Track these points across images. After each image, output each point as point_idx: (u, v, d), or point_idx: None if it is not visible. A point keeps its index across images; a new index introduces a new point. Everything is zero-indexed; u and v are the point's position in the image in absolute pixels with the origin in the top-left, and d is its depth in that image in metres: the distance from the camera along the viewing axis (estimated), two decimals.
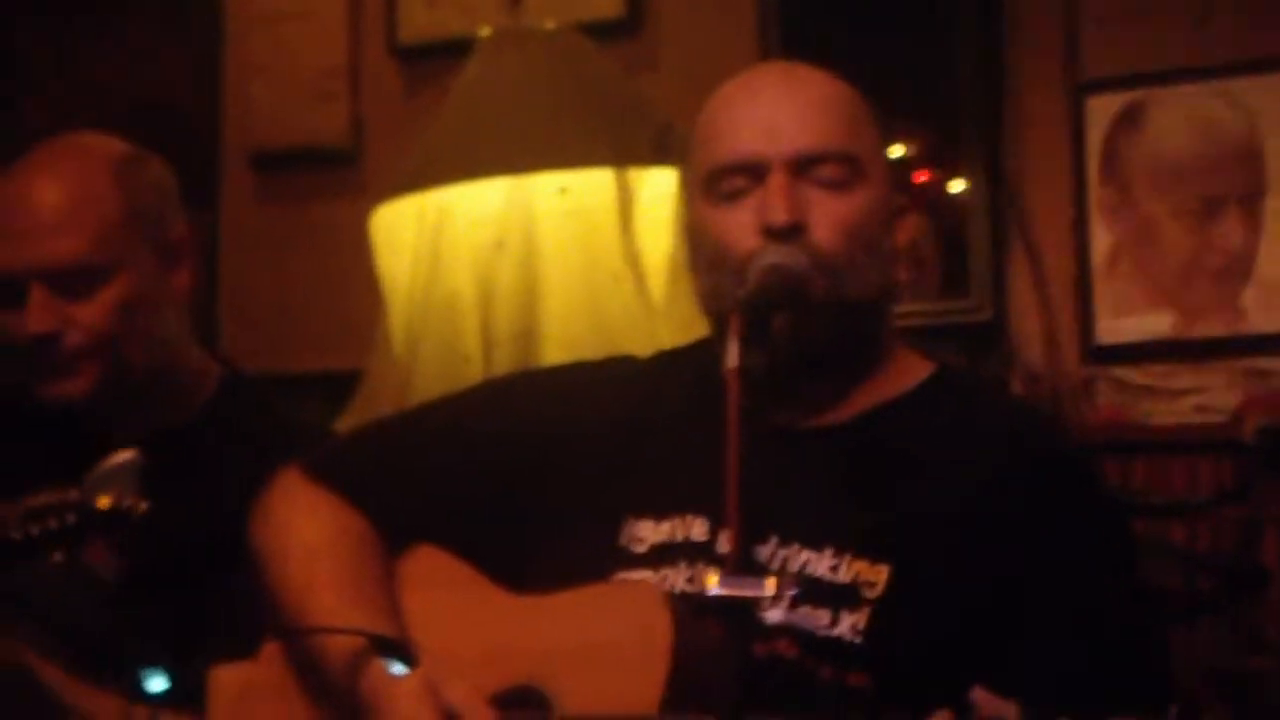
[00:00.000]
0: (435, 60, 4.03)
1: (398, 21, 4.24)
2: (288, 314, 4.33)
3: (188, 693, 1.97)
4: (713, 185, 1.86)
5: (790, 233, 1.79)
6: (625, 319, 3.14)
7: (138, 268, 2.29)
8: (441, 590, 1.90)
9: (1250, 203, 3.44)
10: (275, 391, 2.57)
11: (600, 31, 3.64)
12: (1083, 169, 3.55)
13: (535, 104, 3.26)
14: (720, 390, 1.68)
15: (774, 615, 1.71)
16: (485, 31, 3.47)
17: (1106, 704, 1.42)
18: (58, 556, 2.12)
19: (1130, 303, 3.50)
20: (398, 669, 1.72)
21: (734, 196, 1.84)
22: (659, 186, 3.16)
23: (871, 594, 1.73)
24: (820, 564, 1.76)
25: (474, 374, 3.16)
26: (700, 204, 1.89)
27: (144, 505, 1.95)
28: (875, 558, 1.75)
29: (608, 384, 2.01)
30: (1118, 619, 1.76)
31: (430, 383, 3.19)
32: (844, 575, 1.75)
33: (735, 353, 1.68)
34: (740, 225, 1.82)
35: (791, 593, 1.72)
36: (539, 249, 3.23)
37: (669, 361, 2.06)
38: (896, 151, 3.50)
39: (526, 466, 1.94)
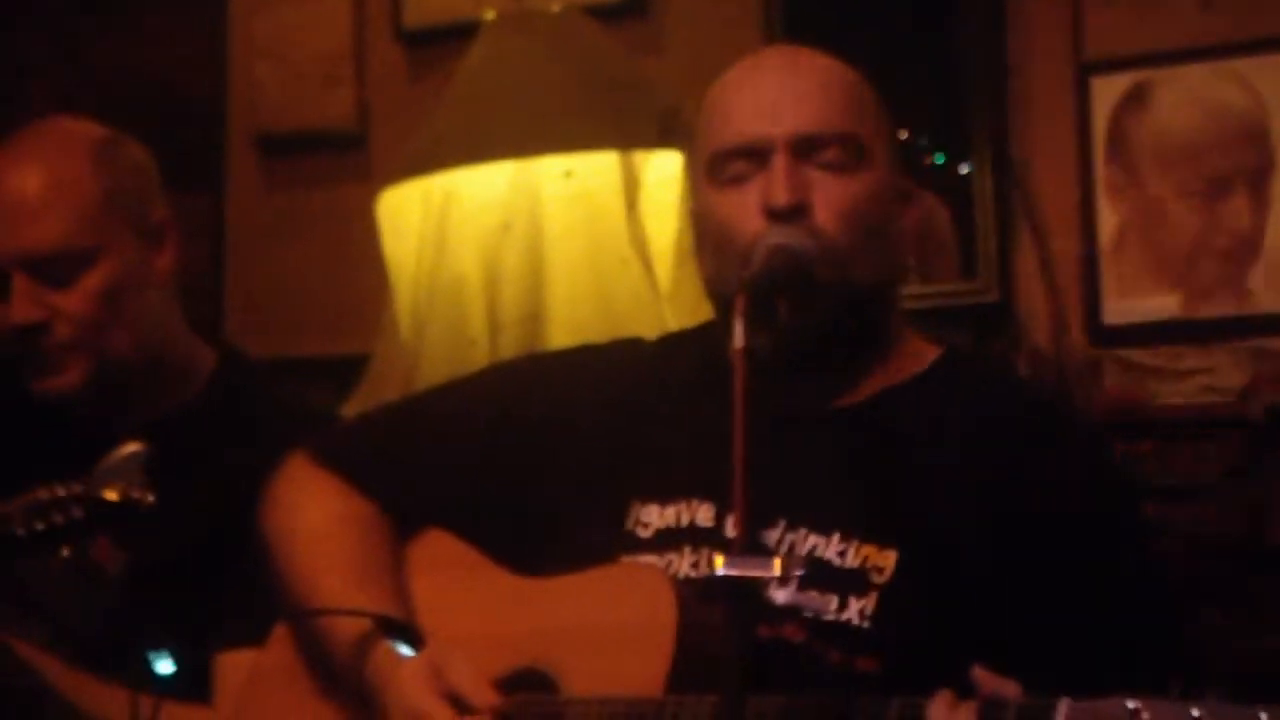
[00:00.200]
0: (440, 44, 4.02)
1: (403, 5, 4.23)
2: (293, 298, 4.32)
3: (195, 678, 1.97)
4: (716, 169, 1.86)
5: (793, 214, 1.79)
6: (631, 302, 3.14)
7: (120, 251, 2.28)
8: (448, 573, 1.91)
9: (1257, 183, 3.42)
10: (278, 374, 2.56)
11: (605, 14, 3.62)
12: (1089, 150, 3.53)
13: (540, 87, 3.26)
14: (726, 374, 1.68)
15: (781, 596, 1.72)
16: (490, 14, 3.47)
17: (1120, 681, 1.42)
18: (65, 552, 2.12)
19: (1137, 283, 3.49)
20: (403, 650, 1.73)
21: (737, 180, 1.84)
22: (665, 170, 3.16)
23: (879, 579, 1.73)
24: (828, 549, 1.76)
25: (480, 357, 3.16)
26: (704, 188, 1.89)
27: (152, 496, 1.95)
28: (883, 542, 1.75)
29: (614, 368, 2.01)
30: (1131, 596, 1.76)
31: (436, 366, 3.19)
32: (852, 560, 1.75)
33: (741, 333, 1.68)
34: (744, 208, 1.82)
35: (798, 573, 1.72)
36: (545, 232, 3.22)
37: (675, 344, 2.06)
38: (902, 135, 3.50)
39: (533, 450, 1.94)
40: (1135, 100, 3.51)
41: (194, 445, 2.28)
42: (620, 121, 3.19)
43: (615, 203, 3.18)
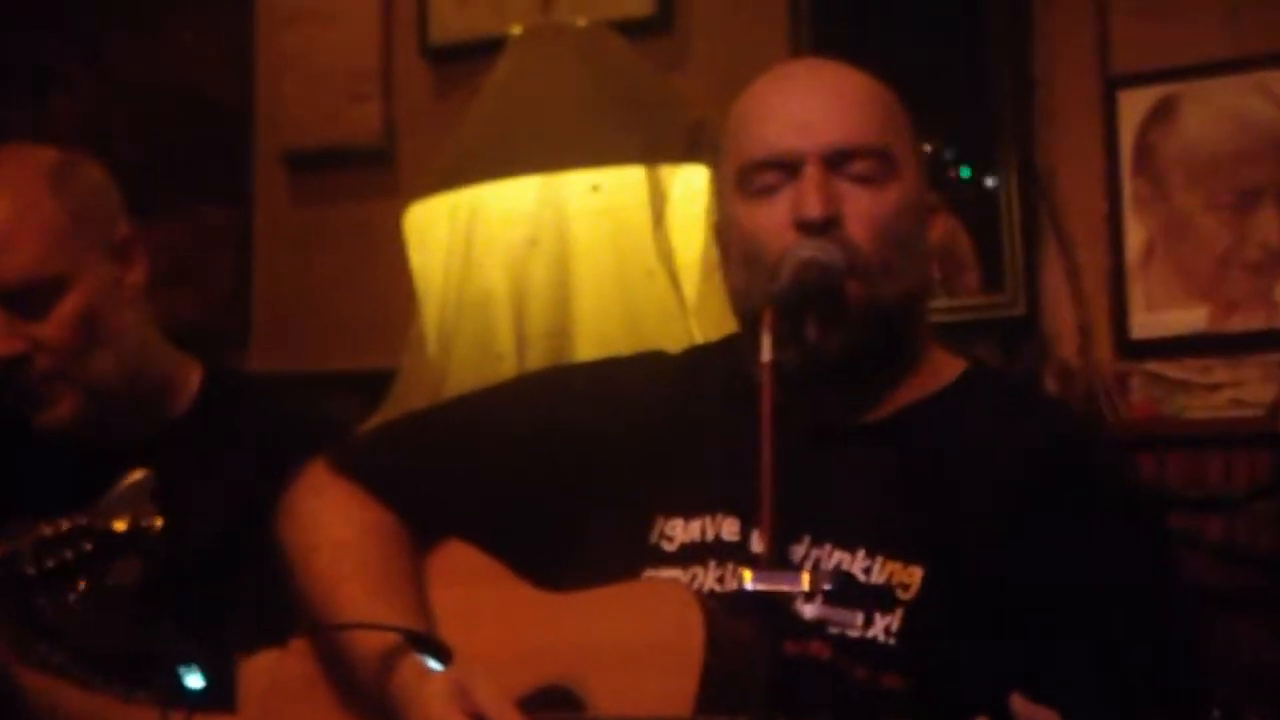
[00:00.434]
0: (467, 60, 4.03)
1: (429, 22, 4.24)
2: (320, 313, 4.33)
3: (218, 688, 1.97)
4: (745, 181, 1.85)
5: (824, 227, 1.78)
6: (658, 317, 3.13)
7: (91, 274, 2.26)
8: (469, 586, 1.89)
9: None
10: (273, 382, 2.54)
11: (631, 29, 3.62)
12: (1116, 163, 3.53)
13: (567, 102, 3.26)
14: (752, 388, 1.68)
15: (809, 611, 1.71)
16: (516, 30, 3.47)
17: (1144, 706, 1.41)
18: (81, 586, 2.12)
19: (1165, 297, 3.48)
20: (431, 665, 1.72)
21: (767, 192, 1.83)
22: (691, 183, 3.16)
23: (905, 595, 1.73)
24: (854, 565, 1.75)
25: (507, 372, 3.16)
26: (732, 200, 1.88)
27: (160, 521, 1.95)
28: (909, 559, 1.74)
29: (639, 380, 2.01)
30: (1155, 617, 1.75)
31: (463, 381, 3.19)
32: (877, 576, 1.74)
33: (768, 347, 1.68)
34: (773, 221, 1.81)
35: (825, 588, 1.71)
36: (571, 247, 3.22)
37: (700, 357, 2.05)
38: (929, 148, 3.49)
39: (557, 462, 1.93)
40: (1162, 113, 3.50)
41: (193, 458, 2.28)
42: (647, 136, 3.19)
43: (642, 217, 3.17)
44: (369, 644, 1.78)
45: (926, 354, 1.90)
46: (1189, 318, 3.47)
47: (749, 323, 1.84)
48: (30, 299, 2.23)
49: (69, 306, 2.24)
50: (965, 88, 3.59)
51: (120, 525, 2.02)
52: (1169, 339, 3.47)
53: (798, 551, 1.77)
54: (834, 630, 1.72)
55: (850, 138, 1.82)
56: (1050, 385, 3.42)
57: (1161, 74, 3.50)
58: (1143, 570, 1.77)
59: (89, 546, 2.15)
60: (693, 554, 1.82)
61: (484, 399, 2.11)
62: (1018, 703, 1.48)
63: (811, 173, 1.80)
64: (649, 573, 1.82)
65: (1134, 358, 3.48)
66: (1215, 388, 3.42)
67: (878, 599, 1.72)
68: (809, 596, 1.69)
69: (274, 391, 2.46)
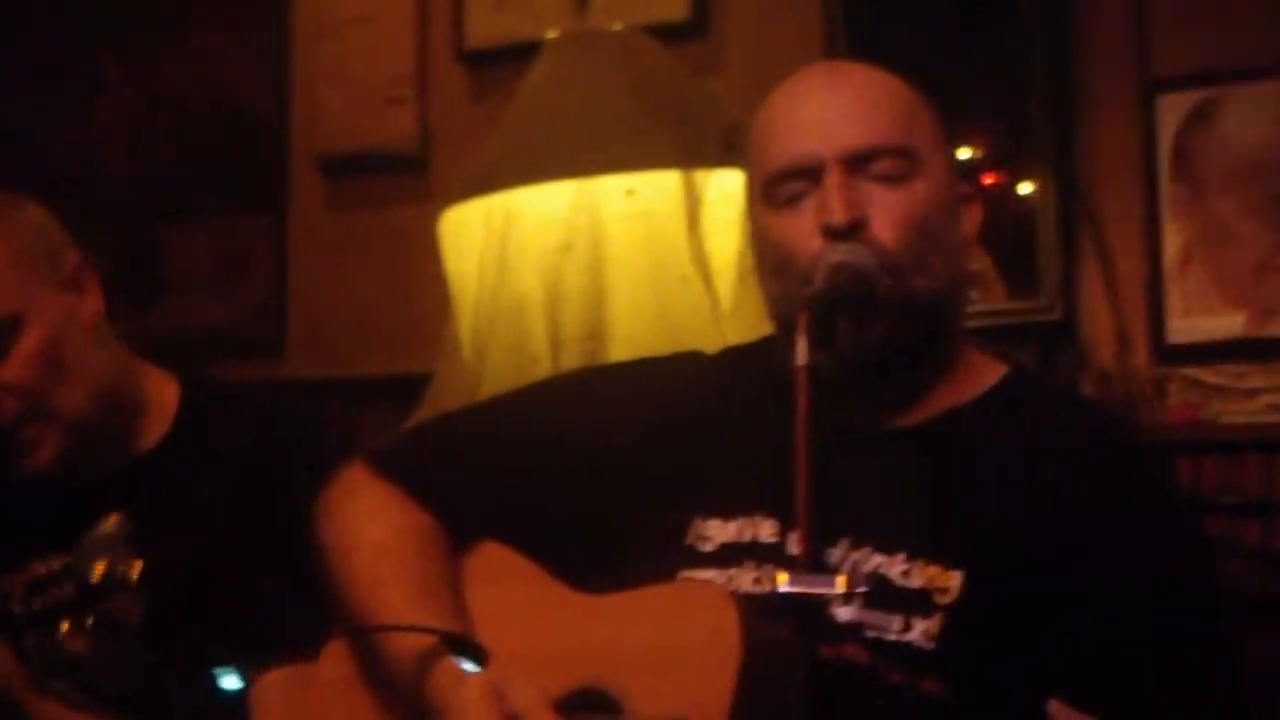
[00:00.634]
0: (501, 64, 4.04)
1: (464, 26, 4.25)
2: (356, 318, 4.35)
3: (232, 703, 1.96)
4: (770, 191, 1.85)
5: (850, 231, 1.77)
6: (693, 320, 3.13)
7: (44, 310, 2.23)
8: (505, 587, 1.89)
9: None
10: (267, 385, 2.53)
11: (666, 33, 3.63)
12: (1154, 168, 3.52)
13: (602, 106, 3.26)
14: (788, 390, 1.67)
15: (845, 614, 1.70)
16: (551, 34, 3.47)
17: (1183, 712, 1.40)
18: (65, 627, 2.13)
19: (1202, 302, 3.47)
20: (468, 667, 1.72)
21: (793, 201, 1.82)
22: (726, 187, 3.15)
23: (944, 600, 1.71)
24: (892, 568, 1.74)
25: (541, 376, 3.16)
26: (761, 211, 1.87)
27: (138, 565, 1.95)
28: (948, 563, 1.73)
29: (675, 380, 2.00)
30: (1195, 623, 1.73)
31: (498, 385, 3.19)
32: (916, 580, 1.73)
33: (804, 350, 1.67)
34: (801, 229, 1.80)
35: (862, 591, 1.70)
36: (606, 251, 3.22)
37: (735, 358, 2.04)
38: (964, 153, 3.49)
39: (593, 463, 1.93)
40: (1201, 117, 3.49)
41: (171, 489, 2.27)
42: (681, 140, 3.19)
43: (676, 221, 3.17)
44: (406, 646, 1.78)
45: (964, 357, 1.89)
46: (1226, 323, 3.47)
47: (784, 327, 1.83)
48: None
49: (28, 344, 2.21)
50: (1002, 92, 3.58)
51: (97, 574, 2.04)
52: (1206, 344, 3.46)
53: (836, 554, 1.76)
54: (871, 634, 1.71)
55: (869, 138, 1.81)
56: (1088, 390, 3.41)
57: (1201, 77, 3.50)
58: (1183, 576, 1.75)
59: (71, 590, 2.16)
60: (730, 555, 1.81)
61: (520, 400, 2.11)
62: (1056, 708, 1.47)
63: (833, 178, 1.79)
64: (686, 573, 1.81)
65: (1171, 363, 3.47)
66: (1252, 393, 3.41)
67: (916, 603, 1.71)
68: (845, 599, 1.68)
69: (254, 397, 2.41)
